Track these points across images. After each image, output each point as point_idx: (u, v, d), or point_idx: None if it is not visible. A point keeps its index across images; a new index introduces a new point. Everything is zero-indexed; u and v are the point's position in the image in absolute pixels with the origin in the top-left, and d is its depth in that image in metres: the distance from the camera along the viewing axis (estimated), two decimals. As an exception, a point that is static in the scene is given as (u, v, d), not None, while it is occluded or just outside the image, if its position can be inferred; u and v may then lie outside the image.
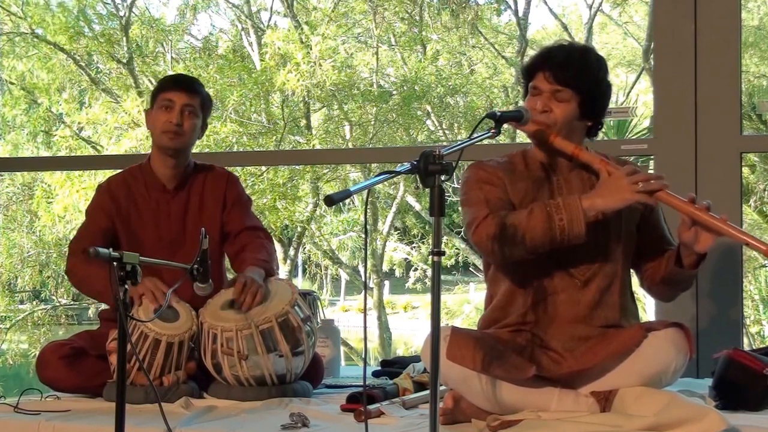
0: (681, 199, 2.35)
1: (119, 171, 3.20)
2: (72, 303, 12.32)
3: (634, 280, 2.68)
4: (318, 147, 10.95)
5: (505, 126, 2.52)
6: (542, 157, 2.56)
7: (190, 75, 3.31)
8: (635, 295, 2.65)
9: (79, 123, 11.34)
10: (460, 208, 2.54)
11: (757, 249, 2.27)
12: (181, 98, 3.03)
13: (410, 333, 16.10)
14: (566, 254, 2.45)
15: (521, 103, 2.55)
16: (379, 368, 3.39)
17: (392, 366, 3.34)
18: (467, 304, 14.92)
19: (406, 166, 2.00)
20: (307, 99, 11.19)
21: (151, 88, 6.20)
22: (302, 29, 11.02)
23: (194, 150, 3.22)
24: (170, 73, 10.46)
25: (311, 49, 10.61)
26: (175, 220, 3.08)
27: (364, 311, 2.29)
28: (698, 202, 2.34)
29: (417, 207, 12.87)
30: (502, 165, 2.56)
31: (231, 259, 3.16)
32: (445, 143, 7.98)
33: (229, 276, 3.22)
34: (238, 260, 3.07)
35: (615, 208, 2.37)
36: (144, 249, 2.93)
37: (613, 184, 2.35)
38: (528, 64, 2.56)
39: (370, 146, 10.94)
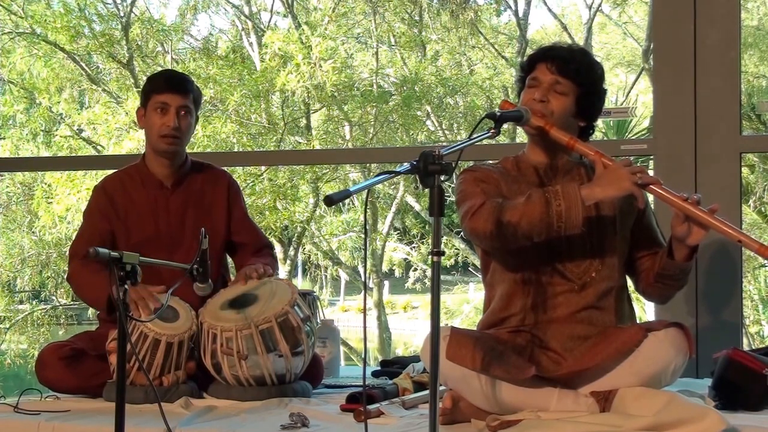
0: (676, 194, 2.36)
1: (114, 171, 3.19)
2: (72, 303, 12.30)
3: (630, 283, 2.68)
4: (318, 147, 10.94)
5: (505, 126, 2.53)
6: (536, 162, 2.57)
7: (179, 72, 3.25)
8: (632, 297, 2.65)
9: (79, 123, 11.33)
10: (456, 208, 2.55)
11: (749, 247, 2.28)
12: (176, 100, 3.01)
13: (410, 333, 16.10)
14: (563, 258, 2.48)
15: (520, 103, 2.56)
16: (379, 368, 3.39)
17: (392, 366, 3.35)
18: (467, 304, 14.91)
19: (406, 166, 2.00)
20: (307, 99, 11.19)
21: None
22: (302, 30, 11.01)
23: (196, 151, 3.22)
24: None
25: (311, 49, 10.60)
26: (174, 218, 3.08)
27: (364, 311, 2.29)
28: (690, 197, 2.35)
29: (417, 207, 12.88)
30: (496, 168, 2.59)
31: (236, 267, 3.19)
32: (444, 143, 7.98)
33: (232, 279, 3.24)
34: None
35: (613, 197, 2.38)
36: (142, 246, 2.93)
37: (612, 174, 2.36)
38: (529, 57, 2.59)
39: (370, 146, 10.93)
